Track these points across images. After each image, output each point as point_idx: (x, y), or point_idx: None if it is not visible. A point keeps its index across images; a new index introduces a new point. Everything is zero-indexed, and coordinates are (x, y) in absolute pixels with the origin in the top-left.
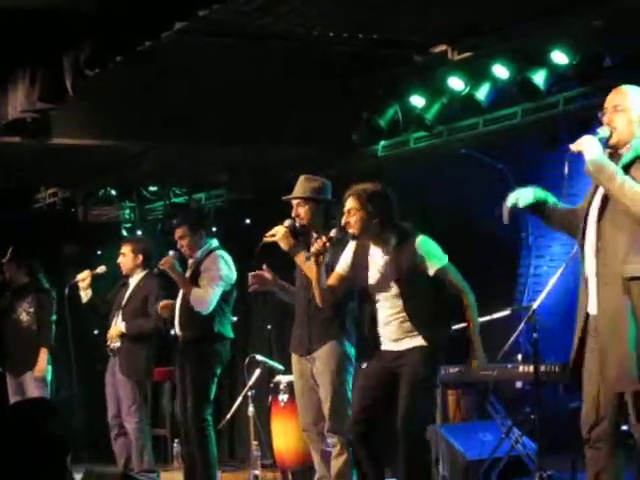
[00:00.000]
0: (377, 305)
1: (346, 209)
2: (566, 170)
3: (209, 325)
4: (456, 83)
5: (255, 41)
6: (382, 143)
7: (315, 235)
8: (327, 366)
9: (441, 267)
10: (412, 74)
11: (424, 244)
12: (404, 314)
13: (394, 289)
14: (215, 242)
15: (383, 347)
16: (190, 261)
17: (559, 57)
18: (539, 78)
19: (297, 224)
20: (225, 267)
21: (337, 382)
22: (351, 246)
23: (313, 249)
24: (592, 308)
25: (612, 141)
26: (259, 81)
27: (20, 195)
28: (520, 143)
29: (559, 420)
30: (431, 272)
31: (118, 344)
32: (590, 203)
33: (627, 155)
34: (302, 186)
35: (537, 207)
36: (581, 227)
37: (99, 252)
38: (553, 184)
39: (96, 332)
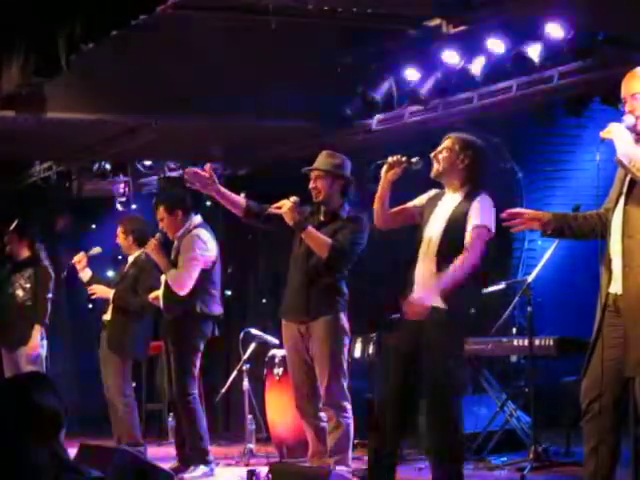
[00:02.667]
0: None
1: (440, 147)
2: (597, 158)
3: (191, 305)
4: (451, 57)
5: (249, 15)
6: (377, 117)
7: (396, 159)
8: (325, 342)
9: (480, 225)
10: (406, 48)
11: (482, 201)
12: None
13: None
14: (197, 219)
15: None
16: (175, 243)
17: (554, 31)
18: (534, 52)
19: (312, 198)
20: (202, 246)
21: (335, 357)
22: (429, 193)
23: (390, 159)
24: (614, 288)
25: (638, 128)
26: (253, 55)
27: (14, 169)
28: (515, 117)
29: (554, 394)
30: (469, 226)
31: (108, 317)
32: (621, 187)
33: None
34: (323, 160)
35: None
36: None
37: (93, 226)
38: (546, 158)
39: (90, 306)
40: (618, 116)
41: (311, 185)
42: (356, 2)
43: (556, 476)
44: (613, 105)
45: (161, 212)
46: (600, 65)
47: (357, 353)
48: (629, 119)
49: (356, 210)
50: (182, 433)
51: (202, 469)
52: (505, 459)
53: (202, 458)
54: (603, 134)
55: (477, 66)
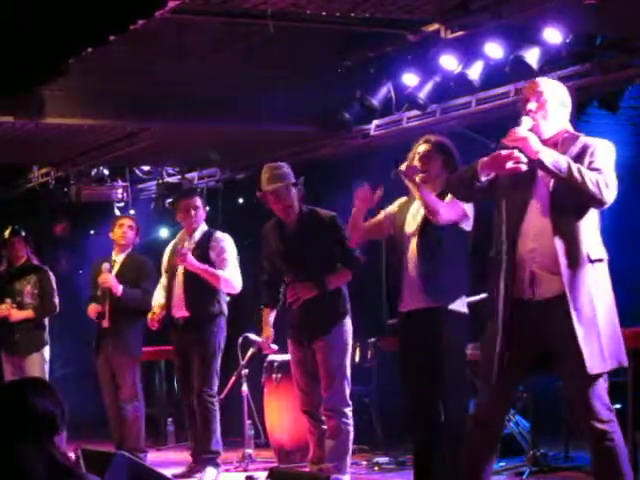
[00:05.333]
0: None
1: (422, 152)
2: None
3: (216, 305)
4: (449, 62)
5: (248, 20)
6: (375, 122)
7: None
8: (331, 351)
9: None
10: (405, 53)
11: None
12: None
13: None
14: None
15: None
16: (188, 239)
17: (552, 36)
18: (532, 57)
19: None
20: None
21: (340, 364)
22: (398, 201)
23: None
24: (528, 293)
25: (541, 130)
26: (251, 60)
27: (13, 174)
28: (513, 122)
29: (552, 398)
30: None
31: (107, 324)
32: (525, 190)
33: None
34: (270, 179)
35: None
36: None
37: (92, 231)
38: None
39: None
40: (615, 120)
41: (274, 208)
42: (354, 7)
43: None
44: (610, 109)
45: (198, 202)
46: (598, 70)
47: (356, 358)
48: (527, 121)
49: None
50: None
51: (212, 471)
52: (503, 464)
53: (213, 460)
54: (508, 141)
55: (475, 71)
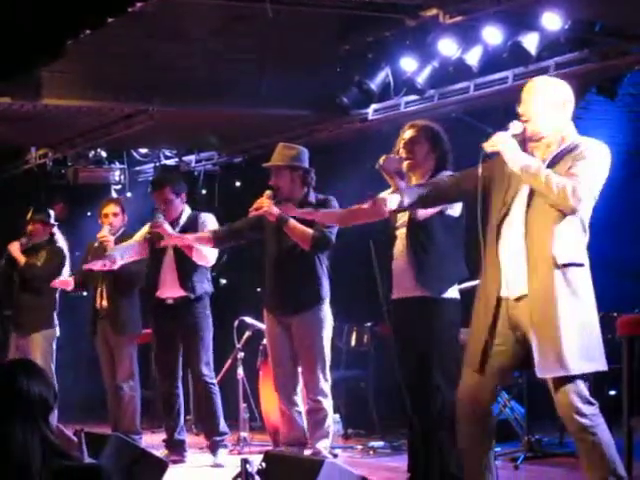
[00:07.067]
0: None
1: (407, 138)
2: None
3: (207, 282)
4: (447, 47)
5: (246, 3)
6: (373, 107)
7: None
8: (308, 336)
9: None
10: (403, 37)
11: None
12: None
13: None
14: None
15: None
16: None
17: (551, 21)
18: (530, 42)
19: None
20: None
21: (320, 346)
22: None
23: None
24: (505, 292)
25: (528, 133)
26: (249, 43)
27: (10, 156)
28: (511, 108)
29: (547, 385)
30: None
31: (105, 303)
32: (508, 195)
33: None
34: (279, 153)
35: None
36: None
37: (89, 213)
38: None
39: (85, 293)
40: (613, 107)
41: (272, 182)
42: None
43: (549, 466)
44: (609, 96)
45: (168, 193)
46: (596, 56)
47: (352, 342)
48: (516, 126)
49: (323, 193)
50: (176, 420)
51: (223, 452)
52: (498, 449)
53: (223, 442)
54: (487, 146)
55: (473, 56)
